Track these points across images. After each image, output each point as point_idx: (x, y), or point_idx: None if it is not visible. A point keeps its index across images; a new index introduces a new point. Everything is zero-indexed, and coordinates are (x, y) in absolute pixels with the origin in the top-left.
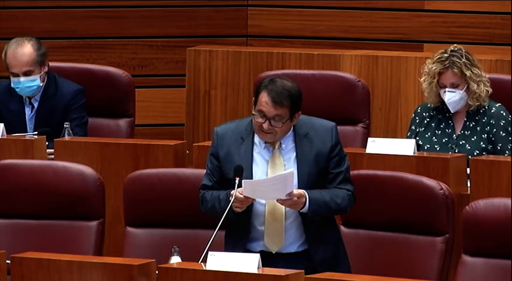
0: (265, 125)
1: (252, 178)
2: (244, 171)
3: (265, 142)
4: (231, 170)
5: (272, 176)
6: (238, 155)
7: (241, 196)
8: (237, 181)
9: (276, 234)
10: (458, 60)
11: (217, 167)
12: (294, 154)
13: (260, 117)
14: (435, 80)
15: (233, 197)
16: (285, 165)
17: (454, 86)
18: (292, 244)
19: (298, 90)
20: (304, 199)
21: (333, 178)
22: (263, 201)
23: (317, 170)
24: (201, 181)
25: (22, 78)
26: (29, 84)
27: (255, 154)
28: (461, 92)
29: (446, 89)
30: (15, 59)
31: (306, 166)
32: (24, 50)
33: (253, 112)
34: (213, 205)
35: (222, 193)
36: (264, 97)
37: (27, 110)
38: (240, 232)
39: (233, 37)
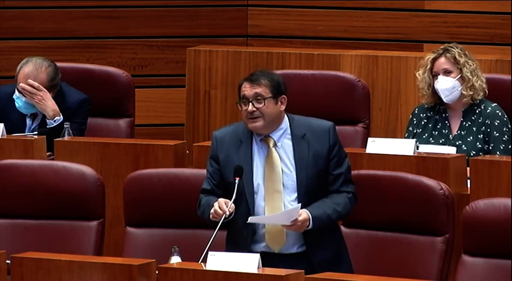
0: (250, 107)
1: (252, 180)
2: (244, 174)
3: (261, 140)
4: (230, 173)
5: (279, 212)
6: (238, 158)
7: (220, 211)
8: (237, 181)
9: (277, 234)
10: (453, 49)
11: (218, 170)
12: (292, 156)
13: (243, 104)
14: (428, 68)
15: (213, 207)
16: (282, 167)
17: (447, 72)
18: (292, 245)
19: (277, 75)
20: (308, 222)
21: (334, 180)
22: (262, 204)
23: (316, 172)
24: (201, 180)
25: (24, 98)
26: (29, 106)
27: (254, 156)
28: (454, 80)
29: (439, 77)
30: (25, 81)
31: (304, 168)
32: (39, 76)
33: (237, 104)
34: (204, 211)
35: (214, 201)
36: (244, 84)
37: (28, 121)
38: (241, 235)
39: (233, 37)
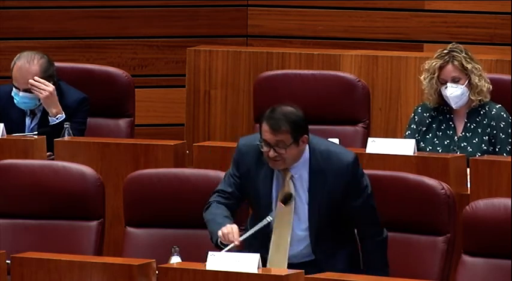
0: (271, 153)
1: (271, 206)
2: (264, 199)
3: (278, 171)
4: (248, 188)
5: None
6: (258, 180)
7: (227, 238)
8: (276, 208)
9: (278, 266)
10: (458, 54)
11: (240, 175)
12: (307, 188)
13: (265, 146)
14: (435, 75)
15: (220, 232)
16: (295, 198)
17: (455, 80)
18: (301, 259)
19: (298, 114)
20: None
21: (354, 214)
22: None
23: (329, 206)
24: (201, 180)
25: (21, 93)
26: (26, 100)
27: (273, 183)
28: (463, 87)
29: (448, 84)
30: (20, 75)
31: (317, 203)
32: (31, 68)
33: (257, 142)
34: (208, 221)
35: (219, 217)
36: (264, 126)
37: (28, 120)
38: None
39: (233, 37)
